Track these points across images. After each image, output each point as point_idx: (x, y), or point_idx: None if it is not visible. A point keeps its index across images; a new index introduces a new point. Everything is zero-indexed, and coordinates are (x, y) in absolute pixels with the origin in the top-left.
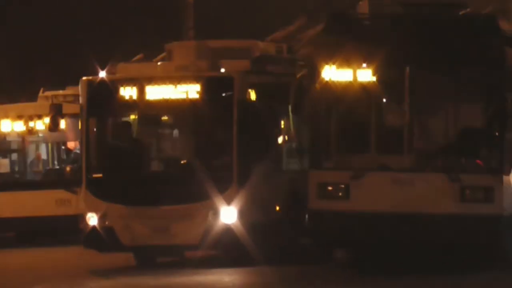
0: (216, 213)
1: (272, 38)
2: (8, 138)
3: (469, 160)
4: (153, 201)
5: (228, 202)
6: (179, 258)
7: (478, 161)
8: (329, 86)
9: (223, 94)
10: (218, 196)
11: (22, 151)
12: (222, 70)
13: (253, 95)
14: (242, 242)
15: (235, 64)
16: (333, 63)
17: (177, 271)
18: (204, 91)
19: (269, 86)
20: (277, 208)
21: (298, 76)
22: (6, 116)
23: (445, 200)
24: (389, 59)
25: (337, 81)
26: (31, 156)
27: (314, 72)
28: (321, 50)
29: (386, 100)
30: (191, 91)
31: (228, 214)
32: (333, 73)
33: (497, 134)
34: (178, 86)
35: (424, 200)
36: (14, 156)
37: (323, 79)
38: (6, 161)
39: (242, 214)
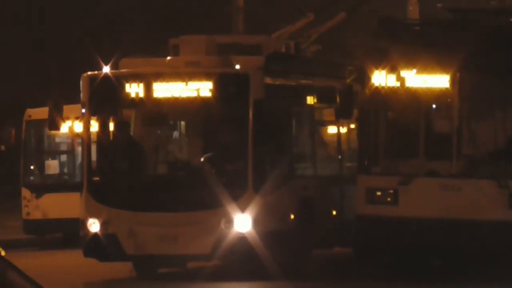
0: (229, 221)
1: (278, 35)
2: (57, 140)
3: None
4: (161, 207)
5: (242, 209)
6: (184, 269)
7: None
8: (378, 91)
9: (238, 93)
10: (232, 203)
11: (71, 152)
12: (237, 66)
13: (269, 95)
14: (256, 252)
15: (247, 61)
16: (383, 69)
17: (183, 284)
18: (217, 89)
19: (285, 86)
20: (292, 216)
21: (348, 80)
22: (65, 118)
23: (493, 207)
24: (439, 65)
25: (387, 87)
26: (80, 157)
27: (364, 77)
28: (371, 55)
29: (436, 105)
30: (202, 88)
31: (242, 223)
32: (382, 78)
33: None
34: (189, 83)
35: (473, 207)
36: (64, 157)
37: (372, 84)
38: (55, 163)
39: (257, 222)
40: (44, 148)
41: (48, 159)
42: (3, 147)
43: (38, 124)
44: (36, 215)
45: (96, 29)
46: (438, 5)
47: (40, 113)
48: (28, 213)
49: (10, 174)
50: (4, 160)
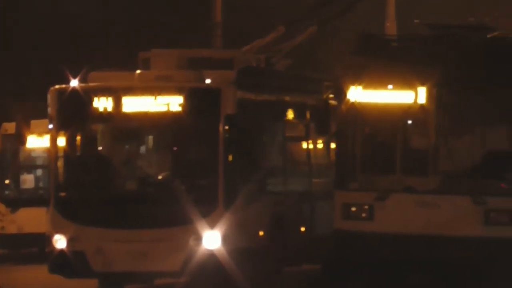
0: (198, 238)
1: (248, 48)
2: (33, 154)
3: (495, 183)
4: (129, 224)
5: (212, 226)
6: (152, 286)
7: (503, 184)
8: (354, 107)
9: (209, 107)
10: (201, 220)
11: (47, 166)
12: (208, 80)
13: (240, 110)
14: (226, 269)
15: (218, 75)
16: (360, 84)
17: None
18: (188, 104)
19: (257, 101)
20: (261, 233)
21: (324, 96)
22: (31, 132)
23: (469, 223)
24: (416, 80)
25: (363, 102)
26: None
27: (341, 93)
28: (348, 71)
29: (413, 121)
30: (173, 103)
31: (212, 239)
32: (359, 94)
33: None
34: (159, 97)
35: (449, 223)
36: (39, 171)
37: (349, 100)
38: (31, 177)
39: (226, 239)
40: (20, 162)
41: (23, 174)
42: None
43: (14, 138)
44: (11, 229)
45: (66, 42)
46: (416, 21)
47: None
48: (3, 228)
49: None
50: None
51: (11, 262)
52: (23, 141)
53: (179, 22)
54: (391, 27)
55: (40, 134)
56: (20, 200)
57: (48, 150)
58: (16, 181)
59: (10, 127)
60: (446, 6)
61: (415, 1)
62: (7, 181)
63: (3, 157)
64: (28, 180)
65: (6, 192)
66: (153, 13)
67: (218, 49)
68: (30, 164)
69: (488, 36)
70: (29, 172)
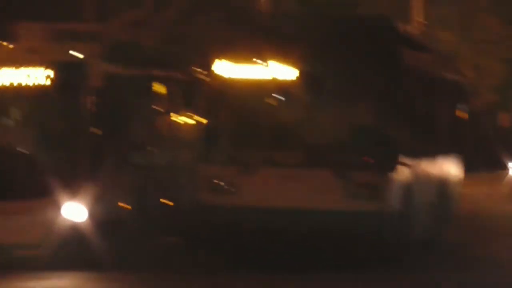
0: (60, 210)
1: (118, 22)
2: None
3: (357, 158)
4: None
5: (74, 198)
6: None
7: (366, 158)
8: (221, 81)
9: (76, 81)
10: (63, 192)
11: None
12: (76, 54)
13: (107, 84)
14: (88, 241)
15: (86, 48)
16: (226, 59)
17: (12, 273)
18: (55, 77)
19: (125, 75)
20: (125, 205)
21: (191, 70)
22: None
23: (331, 197)
24: (280, 56)
25: (230, 77)
26: None
27: (208, 68)
28: (215, 45)
29: (276, 96)
30: (40, 76)
31: (74, 211)
32: (225, 68)
33: (386, 132)
34: (26, 70)
35: (311, 196)
36: None
37: (216, 74)
38: None
39: (89, 211)
40: None
41: None
42: None
43: None
44: None
45: None
46: None
47: None
48: None
49: None
50: None
51: None
52: None
53: None
54: (265, 2)
55: None
56: None
57: None
58: None
59: None
60: None
61: None
62: None
63: None
64: None
65: None
66: None
67: (87, 23)
68: None
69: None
70: None
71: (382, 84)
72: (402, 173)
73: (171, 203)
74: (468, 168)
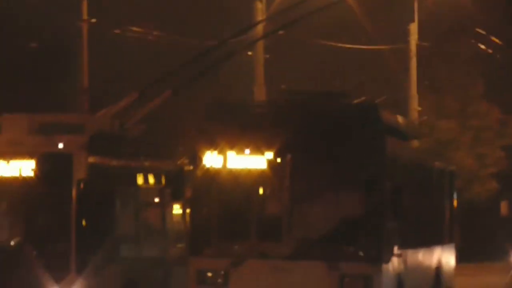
0: None
1: (103, 113)
2: None
3: (348, 249)
4: None
5: None
6: None
7: (357, 250)
8: (208, 173)
9: (61, 172)
10: (54, 286)
11: None
12: (60, 145)
13: (93, 176)
14: None
15: (70, 140)
16: (213, 150)
17: None
18: (40, 169)
19: (110, 166)
20: None
21: (178, 161)
22: None
23: None
24: (270, 146)
25: (218, 168)
26: None
27: (195, 158)
28: (203, 136)
29: (267, 187)
30: (25, 168)
31: None
32: (214, 160)
33: (376, 222)
34: (11, 162)
35: None
36: None
37: (203, 165)
38: None
39: None
40: None
41: None
42: None
43: None
44: None
45: None
46: (283, 87)
47: None
48: None
49: None
50: None
51: None
52: None
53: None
54: (258, 91)
55: None
56: None
57: None
58: None
59: None
60: (319, 72)
61: (287, 67)
62: None
63: None
64: None
65: None
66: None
67: (70, 114)
68: None
69: (341, 103)
70: None
71: (369, 173)
72: (394, 264)
73: None
74: (467, 257)
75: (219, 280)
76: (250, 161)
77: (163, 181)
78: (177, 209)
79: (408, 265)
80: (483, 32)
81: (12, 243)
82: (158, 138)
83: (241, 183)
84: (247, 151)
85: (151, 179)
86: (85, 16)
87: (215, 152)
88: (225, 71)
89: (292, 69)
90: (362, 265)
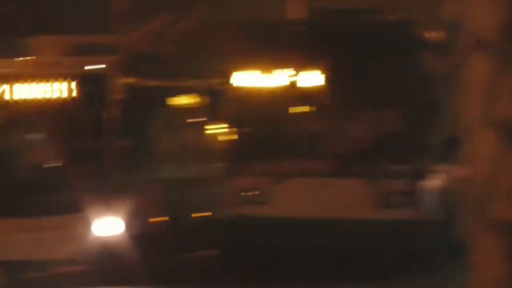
0: (92, 225)
1: (137, 34)
2: None
3: (391, 166)
4: (21, 212)
5: (106, 212)
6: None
7: (400, 166)
8: (247, 92)
9: (97, 94)
10: (94, 207)
11: None
12: (95, 66)
13: (128, 96)
14: (121, 256)
15: (106, 61)
16: (250, 69)
17: None
18: (76, 90)
19: (147, 86)
20: (156, 219)
21: (217, 81)
22: None
23: (364, 206)
24: (305, 64)
25: (256, 87)
26: None
27: (233, 78)
28: (237, 55)
29: (306, 105)
30: (61, 90)
31: (106, 226)
32: (250, 79)
33: (418, 139)
34: (47, 84)
35: (344, 206)
36: None
37: (243, 85)
38: None
39: (121, 225)
40: None
41: None
42: None
43: None
44: None
45: None
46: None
47: None
48: None
49: None
50: None
51: None
52: None
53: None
54: (291, 10)
55: None
56: None
57: None
58: None
59: None
60: None
61: None
62: None
63: None
64: None
65: None
66: None
67: (106, 35)
68: None
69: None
70: None
71: (408, 90)
72: (437, 179)
73: (205, 216)
74: None
75: (261, 199)
76: (290, 79)
77: (201, 101)
78: (216, 128)
79: (452, 179)
80: None
81: (51, 165)
82: (194, 58)
83: (282, 101)
84: (287, 68)
85: (189, 99)
86: None
87: (253, 71)
88: None
89: None
90: (405, 182)
